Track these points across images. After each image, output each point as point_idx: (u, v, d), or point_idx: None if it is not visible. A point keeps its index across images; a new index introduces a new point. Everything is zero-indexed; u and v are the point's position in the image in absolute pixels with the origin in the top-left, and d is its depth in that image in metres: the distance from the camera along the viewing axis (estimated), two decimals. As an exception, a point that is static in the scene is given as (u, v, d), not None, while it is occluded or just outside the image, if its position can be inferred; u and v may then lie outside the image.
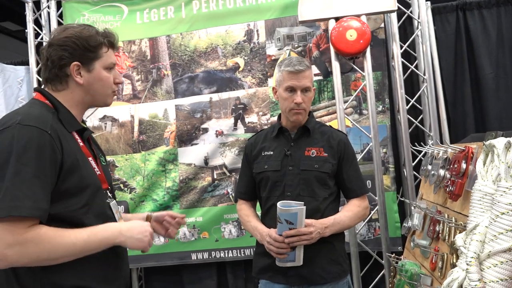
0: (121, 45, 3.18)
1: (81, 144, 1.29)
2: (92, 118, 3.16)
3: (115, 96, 1.43)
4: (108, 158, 3.13)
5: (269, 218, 1.81)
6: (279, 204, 1.63)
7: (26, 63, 3.34)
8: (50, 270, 1.15)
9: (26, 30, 3.28)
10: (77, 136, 1.29)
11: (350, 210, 1.81)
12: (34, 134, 1.14)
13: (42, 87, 1.34)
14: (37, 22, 3.30)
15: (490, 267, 1.03)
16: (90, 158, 1.29)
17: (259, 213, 1.93)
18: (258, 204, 1.97)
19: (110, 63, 1.33)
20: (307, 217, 1.65)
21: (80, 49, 1.27)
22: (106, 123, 3.16)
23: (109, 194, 1.33)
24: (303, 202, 1.64)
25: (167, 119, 3.12)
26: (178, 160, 3.09)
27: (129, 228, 1.24)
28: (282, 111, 1.85)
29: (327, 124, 2.03)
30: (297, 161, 1.79)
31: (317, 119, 2.92)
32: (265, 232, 1.74)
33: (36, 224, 1.11)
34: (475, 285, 1.02)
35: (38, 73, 3.25)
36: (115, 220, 1.32)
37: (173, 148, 3.10)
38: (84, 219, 1.20)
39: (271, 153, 1.84)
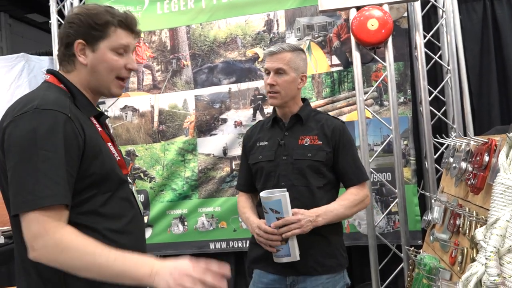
0: (141, 36, 3.20)
1: (100, 129, 1.22)
2: (113, 108, 3.21)
3: (124, 87, 1.28)
4: (129, 147, 3.18)
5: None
6: (261, 193, 1.60)
7: (50, 53, 3.41)
8: None
9: (50, 21, 3.34)
10: (95, 121, 1.22)
11: (345, 199, 1.74)
12: (55, 119, 1.07)
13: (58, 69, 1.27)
14: (60, 13, 3.35)
15: (510, 262, 1.00)
16: (109, 144, 1.23)
17: None
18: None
19: (119, 45, 1.20)
20: (303, 207, 1.63)
21: (85, 26, 1.17)
22: (126, 113, 3.20)
23: (129, 180, 1.28)
24: (285, 189, 1.61)
25: (186, 109, 3.14)
26: (197, 150, 3.11)
27: (167, 267, 1.02)
28: None
29: (327, 114, 1.96)
30: (291, 150, 1.75)
31: (336, 110, 2.92)
32: (255, 223, 1.70)
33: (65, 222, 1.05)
34: (494, 280, 0.99)
35: (62, 63, 3.31)
36: (137, 207, 1.28)
37: (192, 138, 3.12)
38: (106, 210, 1.15)
39: (266, 143, 1.81)
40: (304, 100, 1.86)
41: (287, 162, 1.74)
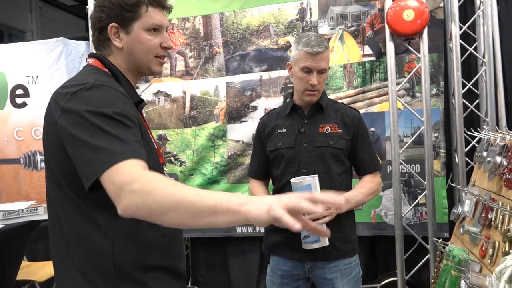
0: (175, 22, 3.26)
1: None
2: (146, 92, 3.28)
3: (163, 64, 1.25)
4: (160, 132, 3.26)
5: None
6: (292, 179, 1.65)
7: (86, 38, 3.49)
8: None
9: (87, 7, 3.41)
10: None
11: (363, 186, 1.83)
12: (116, 94, 1.08)
13: None
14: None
15: (547, 256, 1.02)
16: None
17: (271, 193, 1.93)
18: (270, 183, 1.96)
19: (151, 24, 1.17)
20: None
21: (117, 8, 1.14)
22: (159, 98, 3.28)
23: (165, 169, 1.30)
24: (316, 174, 1.65)
25: (217, 96, 3.19)
26: (227, 136, 3.17)
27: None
28: (296, 90, 1.85)
29: (343, 104, 1.98)
30: (312, 137, 1.79)
31: (367, 101, 2.92)
32: None
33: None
34: (530, 273, 1.02)
35: (97, 48, 3.39)
36: None
37: (223, 125, 3.17)
38: None
39: (285, 130, 1.84)
40: None
41: (308, 149, 1.79)
